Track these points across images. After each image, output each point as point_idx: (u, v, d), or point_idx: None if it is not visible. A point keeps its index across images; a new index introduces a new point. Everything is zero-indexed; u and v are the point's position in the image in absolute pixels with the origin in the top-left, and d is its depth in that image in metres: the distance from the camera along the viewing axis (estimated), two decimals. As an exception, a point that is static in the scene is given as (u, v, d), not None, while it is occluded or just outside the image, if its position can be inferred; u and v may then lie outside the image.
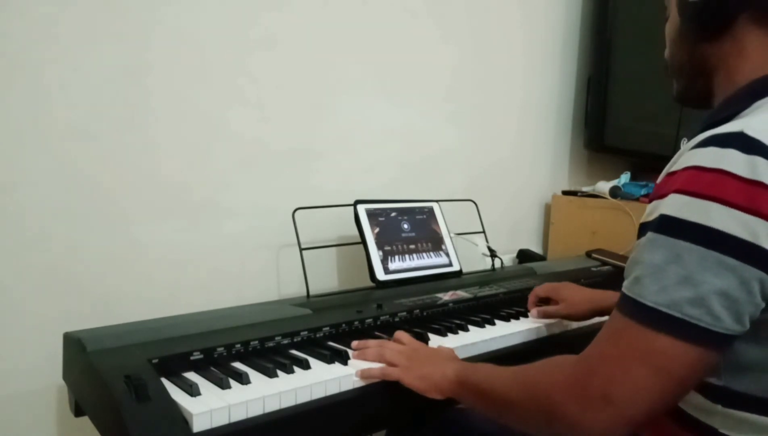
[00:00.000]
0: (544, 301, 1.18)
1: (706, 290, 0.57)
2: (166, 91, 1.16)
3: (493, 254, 1.50)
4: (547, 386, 0.66)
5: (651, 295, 0.59)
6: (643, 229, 0.64)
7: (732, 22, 0.70)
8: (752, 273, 0.57)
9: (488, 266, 1.51)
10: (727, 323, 0.57)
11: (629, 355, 0.60)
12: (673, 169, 0.64)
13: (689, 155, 0.62)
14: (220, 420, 0.71)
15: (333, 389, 0.82)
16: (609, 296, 1.11)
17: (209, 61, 1.20)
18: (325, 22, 1.37)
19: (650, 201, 0.65)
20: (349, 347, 0.94)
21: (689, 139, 0.68)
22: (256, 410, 0.74)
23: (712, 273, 0.57)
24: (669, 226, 0.60)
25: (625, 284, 0.64)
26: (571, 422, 0.63)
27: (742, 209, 0.56)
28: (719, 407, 0.64)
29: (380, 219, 1.28)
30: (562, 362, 0.68)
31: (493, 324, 1.12)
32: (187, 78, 1.18)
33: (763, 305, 0.58)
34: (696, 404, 0.66)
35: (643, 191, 1.76)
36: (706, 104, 0.77)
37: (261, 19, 1.26)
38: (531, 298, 1.19)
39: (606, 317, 1.12)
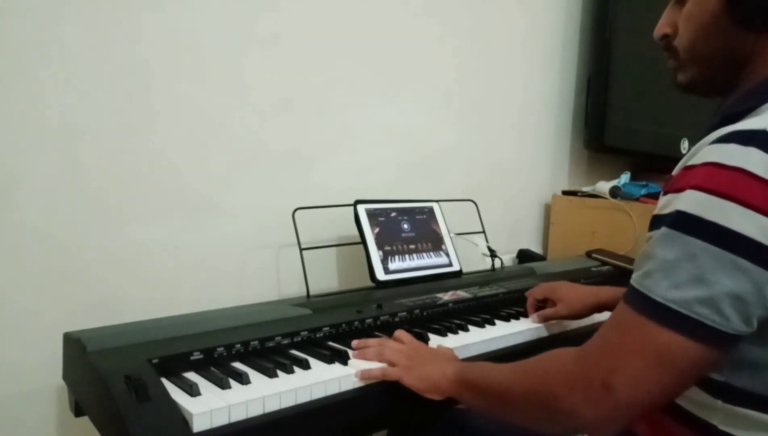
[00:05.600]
0: (542, 303, 1.18)
1: (718, 290, 0.56)
2: (166, 91, 1.15)
3: (493, 254, 1.49)
4: (546, 376, 0.66)
5: (661, 290, 0.59)
6: (657, 222, 0.63)
7: None
8: (766, 277, 0.56)
9: (488, 266, 1.50)
10: (735, 324, 0.57)
11: (632, 346, 0.60)
12: (691, 162, 0.62)
13: (709, 150, 0.60)
14: (220, 420, 0.71)
15: (333, 389, 0.82)
16: (605, 292, 1.10)
17: (209, 61, 1.20)
18: (326, 21, 1.37)
19: (664, 193, 0.63)
20: (349, 347, 0.94)
21: (704, 132, 0.65)
22: (256, 410, 0.74)
23: (726, 274, 0.56)
24: (685, 223, 0.59)
25: (635, 276, 0.63)
26: (570, 411, 0.63)
27: (760, 211, 0.55)
28: (719, 402, 0.63)
29: (380, 219, 1.28)
30: (562, 354, 0.68)
31: (493, 324, 1.12)
32: (187, 78, 1.18)
33: None
34: (696, 400, 0.66)
35: (643, 191, 1.76)
36: (717, 94, 0.75)
37: (261, 19, 1.26)
38: (529, 301, 1.18)
39: (605, 313, 1.12)
